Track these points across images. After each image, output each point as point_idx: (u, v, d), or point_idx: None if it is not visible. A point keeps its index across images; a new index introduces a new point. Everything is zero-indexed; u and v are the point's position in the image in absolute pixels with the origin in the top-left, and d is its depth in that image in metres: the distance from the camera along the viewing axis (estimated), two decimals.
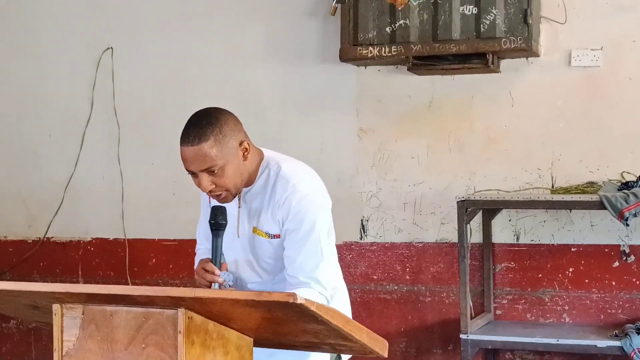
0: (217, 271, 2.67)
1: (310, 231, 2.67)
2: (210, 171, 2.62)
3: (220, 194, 2.68)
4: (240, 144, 2.68)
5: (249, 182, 2.74)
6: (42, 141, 5.25)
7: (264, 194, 2.73)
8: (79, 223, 5.16)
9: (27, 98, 5.27)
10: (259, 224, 2.75)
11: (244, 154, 2.68)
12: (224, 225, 2.69)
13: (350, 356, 2.84)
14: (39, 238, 5.25)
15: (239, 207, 2.77)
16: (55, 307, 2.34)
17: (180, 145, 2.65)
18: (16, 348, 5.33)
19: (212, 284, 2.68)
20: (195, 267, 2.79)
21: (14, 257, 5.31)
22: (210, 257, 2.70)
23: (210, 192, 2.67)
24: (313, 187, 2.74)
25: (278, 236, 2.73)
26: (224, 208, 2.70)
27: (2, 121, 5.33)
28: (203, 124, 2.63)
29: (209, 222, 2.69)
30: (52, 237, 5.23)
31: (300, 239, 2.68)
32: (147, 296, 2.21)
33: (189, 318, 2.21)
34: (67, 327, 2.33)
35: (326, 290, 2.68)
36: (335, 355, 2.82)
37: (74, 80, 5.17)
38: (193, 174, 2.66)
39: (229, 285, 2.74)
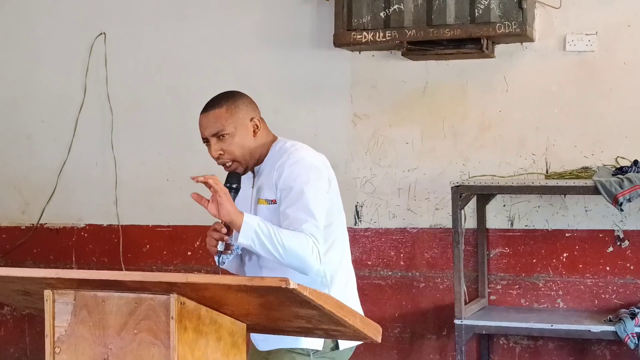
0: (224, 229, 2.72)
1: (301, 190, 2.72)
2: (219, 136, 2.80)
3: (228, 163, 2.83)
4: (252, 119, 2.84)
5: (259, 161, 2.86)
6: (35, 127, 5.23)
7: (268, 169, 2.85)
8: (73, 209, 5.15)
9: (20, 84, 5.25)
10: (262, 194, 2.84)
11: (254, 130, 2.84)
12: (235, 190, 2.80)
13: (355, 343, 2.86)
14: (33, 224, 5.23)
15: (252, 187, 2.88)
16: (47, 293, 2.33)
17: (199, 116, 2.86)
18: (10, 334, 5.32)
19: (219, 243, 2.74)
20: None
21: (7, 244, 5.30)
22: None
23: (218, 160, 2.83)
24: (308, 155, 2.81)
25: (275, 202, 2.80)
26: (239, 174, 2.83)
27: None
28: (220, 97, 2.88)
29: (224, 185, 2.76)
30: (45, 224, 5.22)
31: (293, 196, 2.73)
32: (139, 282, 2.20)
33: (181, 304, 2.20)
34: (59, 313, 2.32)
35: (318, 242, 2.69)
36: (329, 341, 2.81)
37: (67, 66, 5.14)
38: (207, 143, 2.84)
39: (235, 247, 2.79)
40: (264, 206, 2.82)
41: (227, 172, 2.85)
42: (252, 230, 2.64)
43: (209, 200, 2.68)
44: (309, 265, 2.68)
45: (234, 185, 2.81)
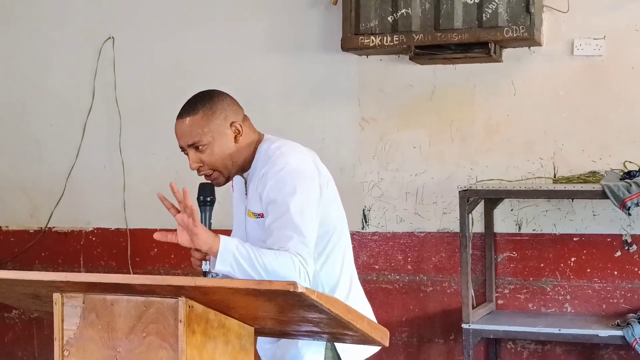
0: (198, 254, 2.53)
1: (286, 203, 2.49)
2: (196, 147, 2.60)
3: (209, 174, 2.64)
4: (232, 124, 2.63)
5: (246, 167, 2.68)
6: (43, 131, 5.24)
7: (256, 177, 2.64)
8: (81, 213, 5.16)
9: (29, 88, 5.26)
10: (251, 205, 2.66)
11: (235, 135, 2.63)
12: (209, 202, 2.61)
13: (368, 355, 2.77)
14: (41, 228, 5.25)
15: (246, 194, 2.71)
16: (56, 296, 2.34)
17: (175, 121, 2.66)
18: (18, 337, 5.33)
19: (203, 263, 2.55)
20: None
21: (16, 247, 5.31)
22: None
23: (199, 171, 2.64)
24: (294, 160, 2.58)
25: (262, 215, 2.59)
26: (211, 185, 2.65)
27: (4, 111, 5.32)
28: (196, 100, 2.64)
29: (198, 199, 2.61)
30: (53, 227, 5.23)
31: (277, 210, 2.51)
32: (148, 285, 2.21)
33: (189, 307, 2.21)
34: (68, 316, 2.33)
35: (306, 261, 2.46)
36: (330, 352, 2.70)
37: (75, 70, 5.16)
38: (185, 152, 2.65)
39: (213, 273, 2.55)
40: (253, 220, 2.63)
41: (199, 184, 2.64)
42: (230, 255, 2.41)
43: (175, 233, 2.46)
44: None
45: (208, 199, 2.61)
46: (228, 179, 2.67)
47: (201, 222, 2.53)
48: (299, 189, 2.52)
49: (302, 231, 2.48)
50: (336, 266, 2.71)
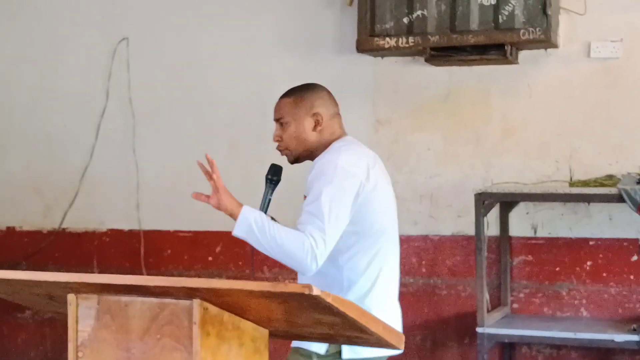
0: None
1: (320, 190, 2.73)
2: (280, 123, 2.93)
3: (282, 149, 2.95)
4: (314, 114, 2.91)
5: (315, 155, 2.91)
6: (57, 131, 5.25)
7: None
8: (94, 214, 5.16)
9: (43, 88, 5.27)
10: (305, 189, 2.88)
11: (315, 125, 2.90)
12: (274, 181, 2.94)
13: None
14: (54, 228, 5.25)
15: None
16: (71, 297, 2.33)
17: None
18: (31, 338, 5.34)
19: None
20: None
21: (29, 248, 5.32)
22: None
23: (277, 143, 2.95)
24: (344, 158, 2.80)
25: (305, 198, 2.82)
26: (280, 167, 2.96)
27: (19, 111, 5.33)
28: (296, 87, 2.98)
29: (266, 175, 2.95)
30: (67, 228, 5.23)
31: (312, 195, 2.75)
32: (162, 287, 2.20)
33: (204, 309, 2.20)
34: (82, 318, 2.32)
35: (318, 245, 2.66)
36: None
37: (89, 70, 5.17)
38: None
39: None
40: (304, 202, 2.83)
41: (270, 164, 2.96)
42: (246, 223, 2.71)
43: (208, 196, 2.77)
44: (301, 265, 2.68)
45: (269, 177, 2.94)
46: (297, 158, 2.96)
47: (263, 196, 2.93)
48: (335, 182, 2.74)
49: (324, 218, 2.69)
50: (361, 265, 2.85)
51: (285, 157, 2.99)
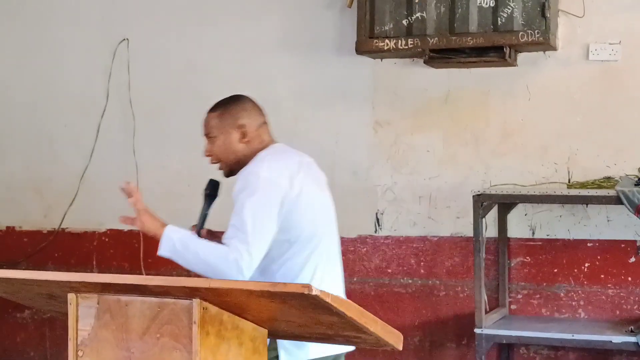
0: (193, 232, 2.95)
1: (242, 203, 2.79)
2: (208, 138, 3.02)
3: (215, 163, 3.03)
4: (239, 126, 2.98)
5: (243, 165, 2.96)
6: (57, 132, 5.26)
7: None
8: (94, 214, 5.17)
9: (43, 89, 5.28)
10: None
11: (242, 136, 2.98)
12: (211, 196, 3.03)
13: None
14: (54, 228, 5.26)
15: None
16: (71, 296, 2.34)
17: None
18: (31, 338, 5.35)
19: None
20: None
21: (29, 248, 5.33)
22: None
23: (210, 160, 3.03)
24: (264, 168, 2.86)
25: None
26: (218, 183, 3.04)
27: (19, 111, 5.34)
28: (221, 101, 3.05)
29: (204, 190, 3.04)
30: (67, 228, 5.24)
31: (236, 208, 2.81)
32: (162, 286, 2.21)
33: (203, 308, 2.21)
34: (82, 317, 2.33)
35: (243, 257, 2.72)
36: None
37: (89, 71, 5.18)
38: None
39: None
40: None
41: (209, 179, 3.04)
42: (170, 243, 2.81)
43: (134, 218, 2.90)
44: (229, 279, 2.70)
45: (207, 192, 3.04)
46: (231, 171, 3.01)
47: (201, 212, 3.02)
48: (257, 193, 2.80)
49: (247, 231, 2.75)
50: (294, 270, 2.89)
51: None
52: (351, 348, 2.87)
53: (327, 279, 2.96)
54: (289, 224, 2.84)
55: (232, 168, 3.00)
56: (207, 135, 3.02)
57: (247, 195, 2.79)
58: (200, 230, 3.00)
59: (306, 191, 2.89)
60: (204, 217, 3.03)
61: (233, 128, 2.97)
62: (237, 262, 2.71)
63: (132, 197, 2.90)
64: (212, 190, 3.04)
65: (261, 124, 3.02)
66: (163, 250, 2.82)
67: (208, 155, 3.03)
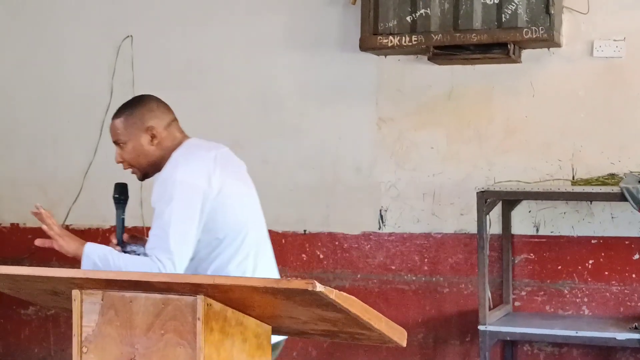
0: (113, 240, 2.97)
1: (161, 211, 2.76)
2: (118, 144, 2.97)
3: (128, 168, 3.00)
4: (148, 128, 2.92)
5: (162, 167, 2.91)
6: (61, 128, 5.26)
7: None
8: (98, 210, 5.17)
9: (47, 86, 5.29)
10: None
11: (151, 139, 2.92)
12: (122, 200, 3.00)
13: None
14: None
15: None
16: (75, 292, 2.34)
17: None
18: (35, 334, 5.36)
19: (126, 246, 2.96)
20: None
21: (33, 244, 5.31)
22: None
23: (122, 165, 2.99)
24: (180, 172, 2.80)
25: None
26: (124, 185, 3.02)
27: (23, 108, 5.35)
28: (124, 104, 3.00)
29: (113, 196, 3.01)
30: (71, 225, 5.25)
31: (155, 217, 2.79)
32: (166, 282, 2.21)
33: (207, 305, 2.21)
34: (87, 313, 2.33)
35: (166, 267, 2.71)
36: None
37: (93, 68, 5.18)
38: None
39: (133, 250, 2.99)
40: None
41: (114, 184, 3.02)
42: (90, 261, 2.80)
43: (51, 240, 2.89)
44: None
45: (116, 196, 3.00)
46: (145, 175, 3.00)
47: (116, 218, 3.01)
48: (176, 199, 2.75)
49: (169, 239, 2.73)
50: (223, 264, 2.87)
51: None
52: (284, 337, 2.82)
53: (260, 266, 2.95)
54: (215, 223, 2.81)
55: (146, 171, 2.98)
56: (116, 142, 2.96)
57: (166, 203, 2.75)
58: (122, 235, 2.98)
59: (226, 187, 2.85)
60: (121, 222, 3.00)
61: (141, 131, 2.91)
62: (160, 273, 2.69)
63: (45, 223, 2.88)
64: (121, 193, 3.00)
65: (170, 122, 2.96)
66: (85, 268, 2.81)
67: (119, 162, 2.98)
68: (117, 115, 2.97)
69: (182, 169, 2.81)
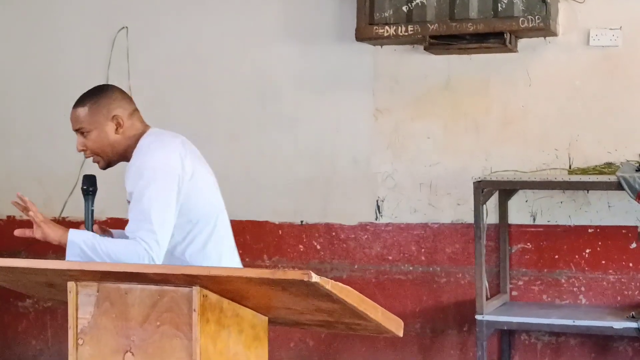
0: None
1: (141, 194, 2.79)
2: (81, 132, 2.99)
3: (91, 157, 3.03)
4: (113, 117, 2.96)
5: (128, 156, 2.96)
6: (57, 120, 5.24)
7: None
8: (95, 202, 5.15)
9: (43, 78, 5.27)
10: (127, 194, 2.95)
11: (116, 127, 2.96)
12: (90, 192, 3.03)
13: None
14: (55, 217, 5.25)
15: None
16: (70, 284, 2.34)
17: None
18: (32, 327, 5.35)
19: None
20: None
21: (29, 237, 5.31)
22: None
23: (85, 154, 3.02)
24: (155, 157, 2.86)
25: (129, 202, 2.89)
26: (93, 176, 3.04)
27: (18, 100, 5.33)
28: (87, 93, 3.03)
29: (81, 188, 3.04)
30: (67, 217, 5.24)
31: (134, 200, 2.82)
32: (162, 274, 2.21)
33: (203, 296, 2.21)
34: (82, 305, 2.34)
35: (152, 248, 2.74)
36: None
37: (89, 59, 5.16)
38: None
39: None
40: (129, 207, 2.89)
41: (83, 175, 3.06)
42: (77, 247, 2.81)
43: (32, 229, 2.90)
44: None
45: (85, 187, 3.03)
46: (109, 164, 3.03)
47: (85, 210, 3.04)
48: (152, 183, 2.80)
49: (152, 220, 2.77)
50: (199, 247, 2.93)
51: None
52: None
53: (228, 254, 3.02)
54: (189, 206, 2.87)
55: (110, 160, 3.01)
56: (79, 130, 2.99)
57: (145, 186, 2.80)
58: (92, 227, 3.00)
59: (197, 171, 2.92)
60: (90, 213, 3.04)
61: (107, 120, 2.96)
62: (148, 254, 2.73)
63: (29, 210, 2.89)
64: (89, 185, 3.03)
65: (132, 112, 3.01)
66: (70, 256, 2.81)
67: (82, 150, 3.01)
68: (80, 103, 3.00)
69: (157, 154, 2.87)
